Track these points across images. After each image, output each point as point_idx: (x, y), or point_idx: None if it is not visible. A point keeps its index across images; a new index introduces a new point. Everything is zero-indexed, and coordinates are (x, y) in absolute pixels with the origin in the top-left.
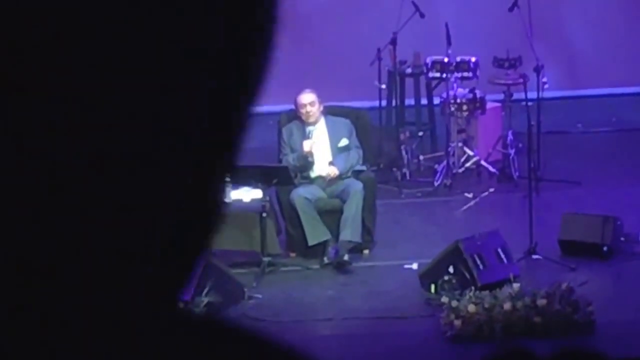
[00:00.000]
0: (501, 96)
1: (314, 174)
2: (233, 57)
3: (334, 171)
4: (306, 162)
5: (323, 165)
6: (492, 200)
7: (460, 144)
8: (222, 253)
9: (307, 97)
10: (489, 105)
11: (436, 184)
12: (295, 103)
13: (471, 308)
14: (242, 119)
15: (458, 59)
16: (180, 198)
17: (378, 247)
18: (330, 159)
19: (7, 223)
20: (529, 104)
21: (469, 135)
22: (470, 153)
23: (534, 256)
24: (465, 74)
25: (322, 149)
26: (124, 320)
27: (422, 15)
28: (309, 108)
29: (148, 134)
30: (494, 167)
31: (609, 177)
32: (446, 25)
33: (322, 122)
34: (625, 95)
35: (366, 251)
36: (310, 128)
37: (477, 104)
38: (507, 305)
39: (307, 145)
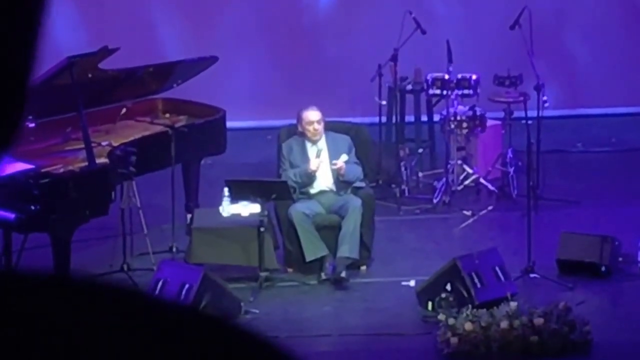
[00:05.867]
0: (501, 114)
1: (313, 190)
2: None
3: (342, 159)
4: (309, 179)
5: (323, 182)
6: (490, 218)
7: (459, 162)
8: (220, 267)
9: (316, 115)
10: (489, 123)
11: (435, 201)
12: (302, 119)
13: (468, 326)
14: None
15: (459, 76)
16: None
17: (376, 263)
18: (330, 174)
19: None
20: (529, 122)
21: (468, 153)
22: (470, 171)
23: (532, 275)
24: (466, 92)
25: (322, 165)
26: None
27: (423, 32)
28: (316, 125)
29: None
30: (493, 185)
31: (608, 197)
32: (447, 43)
33: (323, 138)
34: (626, 115)
35: (364, 267)
36: (318, 146)
37: (477, 122)
38: (504, 324)
39: (314, 164)
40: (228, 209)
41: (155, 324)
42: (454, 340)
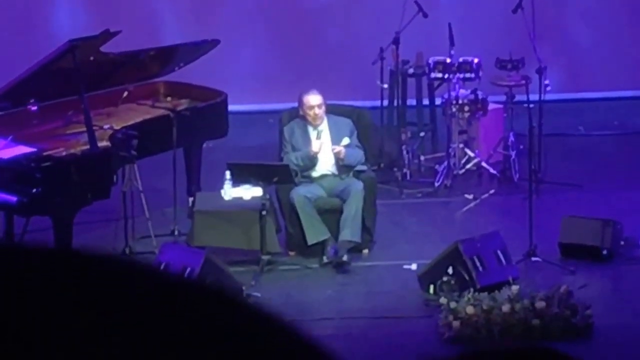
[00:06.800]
0: (503, 98)
1: (315, 173)
2: None
3: (343, 143)
4: (311, 162)
5: (325, 165)
6: (492, 202)
7: (461, 145)
8: (221, 251)
9: (317, 99)
10: (491, 106)
11: (437, 184)
12: (302, 103)
13: (470, 310)
14: None
15: (460, 59)
16: None
17: (377, 247)
18: (332, 158)
19: None
20: (531, 106)
21: (470, 137)
22: (471, 154)
23: (534, 258)
24: (468, 75)
25: (324, 148)
26: None
27: (425, 15)
28: (317, 110)
29: None
30: (494, 169)
31: (610, 181)
32: (449, 26)
33: (324, 121)
34: (628, 99)
35: (365, 251)
36: (319, 129)
37: (478, 105)
38: (505, 308)
39: (316, 146)
40: (230, 192)
41: (162, 295)
42: (455, 323)
